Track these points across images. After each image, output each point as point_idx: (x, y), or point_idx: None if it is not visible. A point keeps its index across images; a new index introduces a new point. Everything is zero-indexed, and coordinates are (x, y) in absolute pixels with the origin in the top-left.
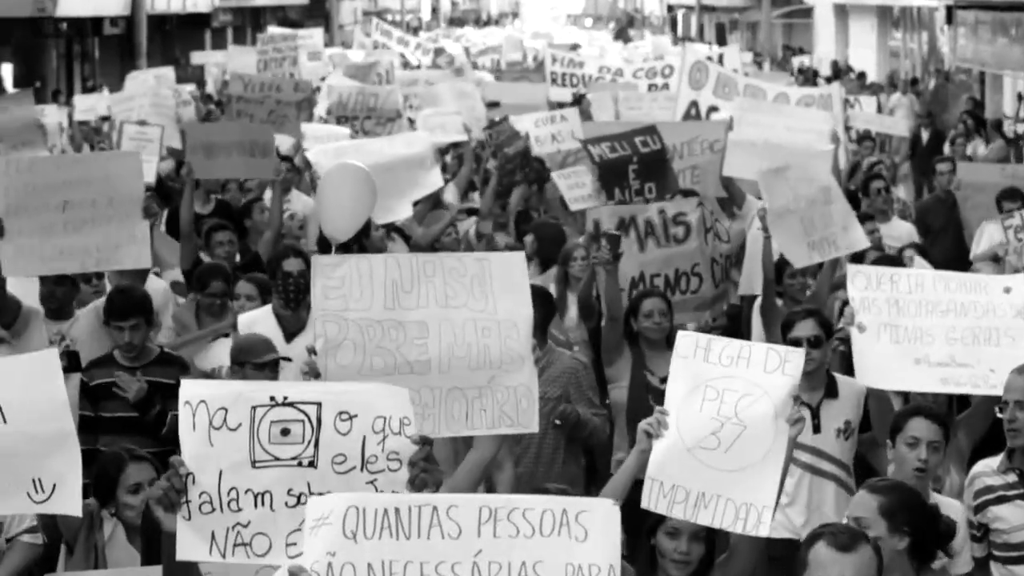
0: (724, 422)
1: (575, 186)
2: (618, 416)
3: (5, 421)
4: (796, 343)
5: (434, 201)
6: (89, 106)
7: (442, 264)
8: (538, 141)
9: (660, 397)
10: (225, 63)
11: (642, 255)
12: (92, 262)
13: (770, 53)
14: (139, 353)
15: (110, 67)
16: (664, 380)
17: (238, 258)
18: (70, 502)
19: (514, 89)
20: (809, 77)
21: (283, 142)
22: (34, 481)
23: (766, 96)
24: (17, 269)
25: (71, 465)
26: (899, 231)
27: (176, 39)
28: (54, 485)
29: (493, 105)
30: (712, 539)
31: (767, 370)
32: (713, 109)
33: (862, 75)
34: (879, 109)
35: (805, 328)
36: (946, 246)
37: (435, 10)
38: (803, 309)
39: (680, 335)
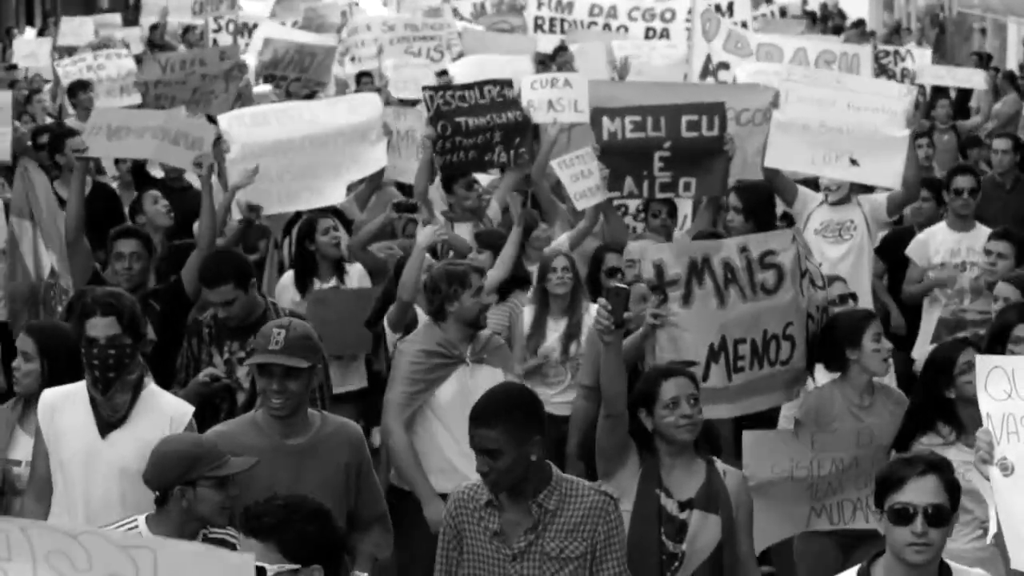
0: None
1: (580, 176)
2: None
3: None
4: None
5: (379, 181)
6: (30, 51)
7: None
8: (532, 106)
9: (678, 531)
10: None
11: (723, 311)
12: None
13: None
14: None
15: (73, 1)
16: (684, 506)
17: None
18: None
19: (497, 40)
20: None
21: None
22: None
23: (783, 55)
24: None
25: None
26: (984, 242)
27: None
28: None
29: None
30: None
31: None
32: (723, 66)
33: (860, 23)
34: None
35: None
36: None
37: None
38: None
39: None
